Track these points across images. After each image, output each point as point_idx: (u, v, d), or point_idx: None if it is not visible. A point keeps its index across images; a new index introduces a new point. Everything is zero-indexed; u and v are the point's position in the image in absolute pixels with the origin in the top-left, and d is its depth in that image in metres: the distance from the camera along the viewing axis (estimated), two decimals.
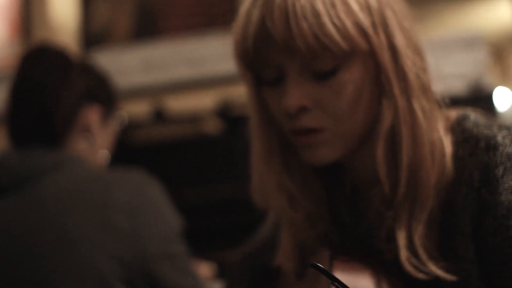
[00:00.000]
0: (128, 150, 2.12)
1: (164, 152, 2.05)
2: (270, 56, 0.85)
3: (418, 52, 0.87)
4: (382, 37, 0.84)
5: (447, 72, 1.85)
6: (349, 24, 0.82)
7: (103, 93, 1.46)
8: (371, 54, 0.84)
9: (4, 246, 1.26)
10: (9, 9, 2.84)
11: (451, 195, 0.86)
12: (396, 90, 0.84)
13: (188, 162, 2.00)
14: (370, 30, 0.83)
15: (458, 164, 0.86)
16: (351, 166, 0.94)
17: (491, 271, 0.84)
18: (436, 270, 0.83)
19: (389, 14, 0.85)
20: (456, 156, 0.86)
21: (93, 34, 2.79)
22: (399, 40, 0.85)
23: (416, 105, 0.84)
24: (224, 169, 1.64)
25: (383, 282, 0.85)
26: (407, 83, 0.84)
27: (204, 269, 1.64)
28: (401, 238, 0.85)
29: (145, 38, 2.73)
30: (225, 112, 2.09)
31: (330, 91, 0.85)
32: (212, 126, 2.20)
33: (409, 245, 0.85)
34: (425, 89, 0.86)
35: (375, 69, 0.85)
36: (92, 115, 1.40)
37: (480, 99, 1.80)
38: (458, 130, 0.88)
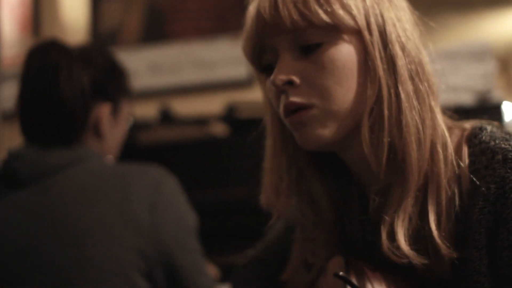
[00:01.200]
0: (135, 151, 2.12)
1: (170, 154, 2.05)
2: (265, 38, 0.89)
3: (414, 43, 0.89)
4: (373, 19, 0.87)
5: (455, 84, 1.85)
6: (333, 1, 0.86)
7: (110, 84, 1.44)
8: (359, 34, 0.87)
9: (26, 239, 1.27)
10: (19, 9, 2.85)
11: (468, 207, 0.86)
12: (381, 72, 0.86)
13: (194, 165, 2.01)
14: (356, 12, 0.87)
15: (474, 175, 0.86)
16: (357, 171, 0.94)
17: (505, 285, 0.84)
18: (411, 255, 0.84)
19: (386, 7, 0.89)
20: (472, 167, 0.87)
21: (102, 36, 2.80)
22: (391, 27, 0.88)
23: (401, 90, 0.86)
24: (230, 172, 1.65)
25: None
26: (395, 68, 0.87)
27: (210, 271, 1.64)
28: (385, 225, 0.86)
29: (153, 40, 2.74)
30: (232, 116, 2.09)
31: (316, 66, 0.87)
32: (219, 130, 2.21)
33: (390, 231, 0.86)
34: (414, 77, 0.88)
35: (364, 49, 0.88)
36: (102, 113, 1.41)
37: (488, 112, 1.80)
38: (475, 142, 0.88)
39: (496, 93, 1.85)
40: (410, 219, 0.86)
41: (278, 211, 0.98)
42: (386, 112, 0.86)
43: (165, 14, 2.75)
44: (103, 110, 1.41)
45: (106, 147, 1.44)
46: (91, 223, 1.25)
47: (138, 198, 1.27)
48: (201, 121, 2.23)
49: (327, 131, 0.88)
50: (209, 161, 2.00)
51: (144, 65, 2.71)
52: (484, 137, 0.88)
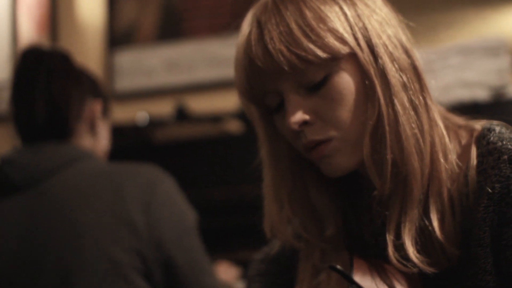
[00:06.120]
0: (151, 148, 2.14)
1: (186, 151, 2.07)
2: (265, 84, 0.89)
3: (401, 46, 0.89)
4: (359, 35, 0.87)
5: (470, 80, 1.85)
6: (323, 33, 0.85)
7: (101, 89, 1.50)
8: (353, 55, 0.87)
9: (22, 244, 1.28)
10: (36, 9, 2.88)
11: (473, 206, 0.86)
12: (378, 89, 0.87)
13: (210, 162, 2.02)
14: (346, 35, 0.86)
15: (481, 175, 0.86)
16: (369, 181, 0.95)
17: (509, 284, 0.84)
18: (419, 264, 0.84)
19: (366, 15, 0.88)
20: (480, 168, 0.87)
21: (118, 34, 2.82)
22: (377, 39, 0.88)
23: (396, 102, 0.86)
24: (245, 169, 1.66)
25: (402, 286, 0.86)
26: (388, 80, 0.87)
27: (229, 272, 1.64)
28: (390, 234, 0.87)
29: (169, 38, 2.75)
30: (246, 114, 2.10)
31: (326, 100, 0.87)
32: (234, 127, 2.22)
33: (397, 239, 0.86)
34: (407, 85, 0.88)
35: (360, 68, 0.88)
36: (95, 109, 1.44)
37: (503, 107, 1.80)
38: (483, 142, 0.88)
39: (511, 89, 1.85)
40: (416, 227, 0.86)
41: (282, 237, 0.98)
42: (387, 128, 0.86)
43: (181, 12, 2.76)
44: (97, 106, 1.45)
45: (98, 145, 1.46)
46: (86, 226, 1.25)
47: (131, 198, 1.27)
48: (216, 118, 2.24)
49: (350, 158, 0.89)
50: (224, 158, 2.01)
51: (159, 63, 2.73)
52: (492, 138, 0.87)
